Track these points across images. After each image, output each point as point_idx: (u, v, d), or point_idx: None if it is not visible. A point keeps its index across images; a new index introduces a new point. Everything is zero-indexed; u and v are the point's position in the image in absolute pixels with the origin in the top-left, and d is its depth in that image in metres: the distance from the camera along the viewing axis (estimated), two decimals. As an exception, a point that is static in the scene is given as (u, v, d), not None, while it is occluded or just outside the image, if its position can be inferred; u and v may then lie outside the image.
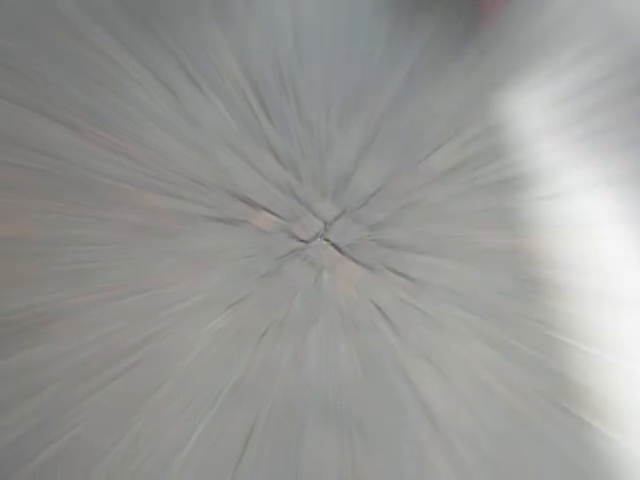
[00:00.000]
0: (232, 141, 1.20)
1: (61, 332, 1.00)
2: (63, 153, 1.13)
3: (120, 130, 1.17)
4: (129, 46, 1.26)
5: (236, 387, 1.00)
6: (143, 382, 0.98)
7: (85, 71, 1.22)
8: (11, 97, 1.16)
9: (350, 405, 0.99)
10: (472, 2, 1.45)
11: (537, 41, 1.42)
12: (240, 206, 1.15)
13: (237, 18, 1.34)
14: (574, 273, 1.14)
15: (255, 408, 0.98)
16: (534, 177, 1.25)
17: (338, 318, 1.07)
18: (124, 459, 0.92)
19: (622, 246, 1.19)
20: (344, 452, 0.95)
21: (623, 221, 1.21)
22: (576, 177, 1.26)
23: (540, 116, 1.33)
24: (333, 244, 1.14)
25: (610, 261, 1.16)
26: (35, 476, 0.89)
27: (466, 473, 0.94)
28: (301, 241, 1.14)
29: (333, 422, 0.97)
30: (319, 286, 1.09)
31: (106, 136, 1.16)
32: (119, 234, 1.08)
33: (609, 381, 1.03)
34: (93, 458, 0.92)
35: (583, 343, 1.06)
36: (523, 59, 1.39)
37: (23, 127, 1.14)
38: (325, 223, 1.16)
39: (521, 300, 1.10)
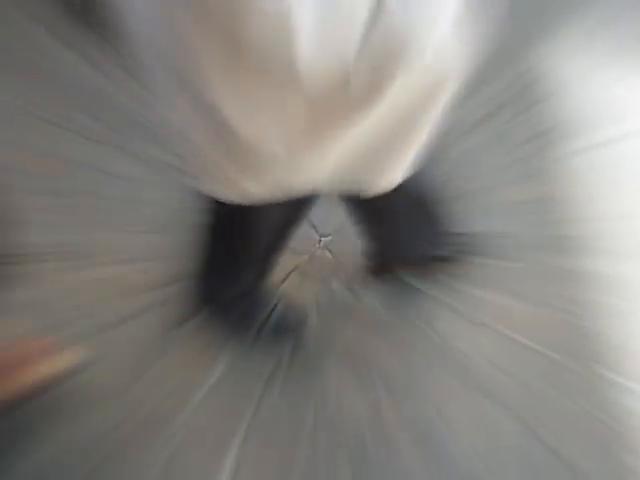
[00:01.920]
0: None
1: (86, 264, 0.99)
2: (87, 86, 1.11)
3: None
4: None
5: (258, 330, 0.98)
6: (165, 320, 0.97)
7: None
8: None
9: (374, 353, 0.97)
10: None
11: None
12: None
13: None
14: (608, 225, 1.10)
15: (277, 351, 0.96)
16: (567, 128, 1.20)
17: (364, 264, 1.04)
18: (144, 397, 0.90)
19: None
20: (366, 398, 0.93)
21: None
22: (612, 128, 1.21)
23: (572, 65, 1.28)
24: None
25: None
26: (48, 410, 0.87)
27: (492, 427, 0.91)
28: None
29: (356, 369, 0.95)
30: (343, 232, 1.07)
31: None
32: (149, 171, 1.07)
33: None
34: (109, 397, 0.90)
35: (618, 298, 1.02)
36: (556, 10, 1.35)
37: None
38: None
39: (552, 254, 1.06)
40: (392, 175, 0.57)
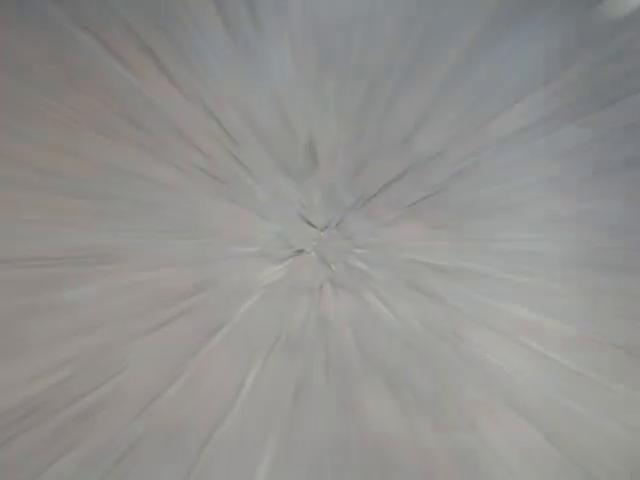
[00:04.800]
0: (296, 95, 1.17)
1: (111, 272, 0.98)
2: (121, 88, 1.11)
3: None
4: None
5: (289, 340, 0.98)
6: (194, 329, 0.96)
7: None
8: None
9: (407, 367, 0.97)
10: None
11: None
12: (303, 157, 1.12)
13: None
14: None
15: (308, 362, 0.96)
16: (602, 144, 1.21)
17: (398, 277, 1.04)
18: (172, 405, 0.90)
19: None
20: (399, 412, 0.93)
21: None
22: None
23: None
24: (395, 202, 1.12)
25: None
26: (79, 418, 0.87)
27: (526, 451, 0.91)
28: (361, 196, 1.11)
29: (388, 382, 0.95)
30: (379, 242, 1.07)
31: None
32: (181, 176, 1.06)
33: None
34: (140, 404, 0.90)
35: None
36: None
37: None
38: (387, 181, 1.13)
39: (588, 270, 1.07)
40: None
